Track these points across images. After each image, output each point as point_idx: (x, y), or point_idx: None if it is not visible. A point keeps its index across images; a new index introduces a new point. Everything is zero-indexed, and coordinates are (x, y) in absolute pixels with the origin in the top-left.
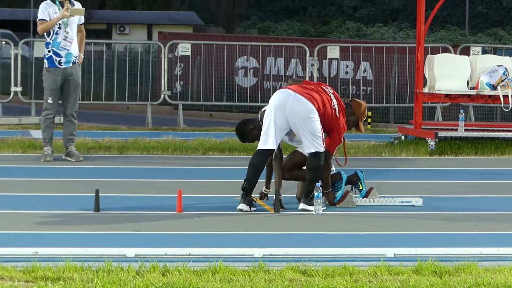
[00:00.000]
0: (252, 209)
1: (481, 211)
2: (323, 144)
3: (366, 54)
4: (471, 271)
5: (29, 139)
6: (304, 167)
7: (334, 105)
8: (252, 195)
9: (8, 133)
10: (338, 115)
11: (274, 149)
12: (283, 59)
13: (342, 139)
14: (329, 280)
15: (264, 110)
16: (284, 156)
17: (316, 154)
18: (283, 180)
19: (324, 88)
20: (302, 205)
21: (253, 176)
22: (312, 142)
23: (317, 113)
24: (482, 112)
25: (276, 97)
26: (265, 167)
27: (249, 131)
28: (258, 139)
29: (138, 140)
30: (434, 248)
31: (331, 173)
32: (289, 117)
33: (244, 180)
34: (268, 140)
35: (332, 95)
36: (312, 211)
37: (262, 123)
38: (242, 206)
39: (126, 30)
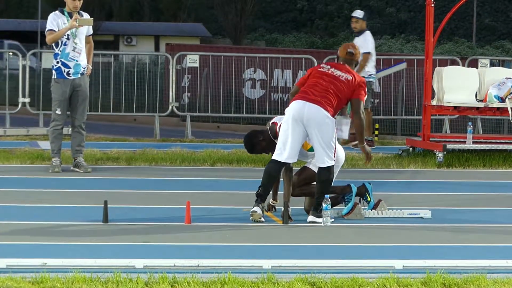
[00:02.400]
0: (263, 219)
1: (490, 224)
2: (334, 157)
3: None
4: (480, 283)
5: (37, 150)
6: (314, 183)
7: (340, 76)
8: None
9: (16, 144)
10: (349, 78)
11: (288, 163)
12: (291, 71)
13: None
14: None
15: (273, 122)
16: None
17: (326, 168)
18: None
19: (322, 70)
20: (311, 218)
21: (267, 183)
22: (325, 154)
23: (331, 117)
24: (490, 125)
25: (292, 109)
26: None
27: (259, 142)
28: (266, 151)
29: (146, 151)
30: (443, 260)
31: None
32: (307, 126)
33: (259, 187)
34: (283, 153)
35: (332, 69)
36: (320, 223)
37: (270, 134)
38: (256, 208)
39: (133, 41)
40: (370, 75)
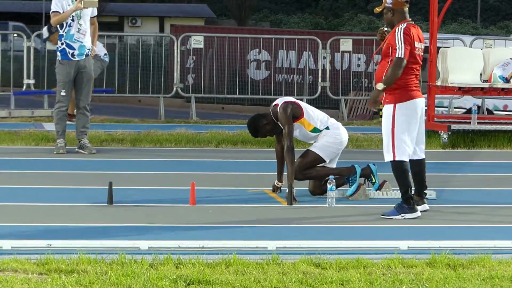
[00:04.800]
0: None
1: (495, 204)
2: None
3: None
4: (485, 263)
5: (42, 131)
6: (318, 166)
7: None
8: (264, 188)
9: (21, 125)
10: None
11: None
12: (295, 52)
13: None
14: (343, 272)
15: (275, 104)
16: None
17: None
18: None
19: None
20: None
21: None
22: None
23: None
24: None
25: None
26: (276, 161)
27: (263, 126)
28: (271, 135)
29: (151, 132)
30: (448, 241)
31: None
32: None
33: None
34: None
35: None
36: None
37: (273, 117)
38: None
39: (138, 22)
40: None
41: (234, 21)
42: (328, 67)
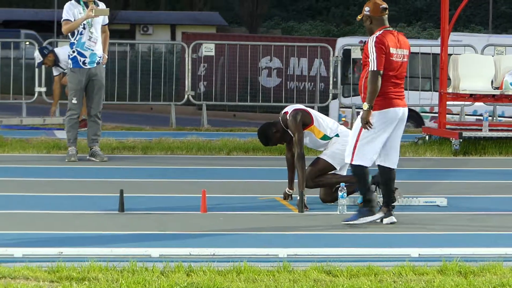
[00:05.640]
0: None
1: (506, 211)
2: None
3: None
4: (496, 271)
5: (53, 139)
6: (328, 174)
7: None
8: (275, 196)
9: (33, 133)
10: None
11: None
12: (306, 59)
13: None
14: (354, 280)
15: (285, 112)
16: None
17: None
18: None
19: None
20: (388, 219)
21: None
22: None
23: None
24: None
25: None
26: (287, 168)
27: (273, 134)
28: (282, 142)
29: (162, 140)
30: (459, 248)
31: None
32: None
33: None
34: None
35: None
36: (396, 221)
37: (283, 124)
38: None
39: (150, 30)
40: None
41: (246, 28)
42: (339, 74)
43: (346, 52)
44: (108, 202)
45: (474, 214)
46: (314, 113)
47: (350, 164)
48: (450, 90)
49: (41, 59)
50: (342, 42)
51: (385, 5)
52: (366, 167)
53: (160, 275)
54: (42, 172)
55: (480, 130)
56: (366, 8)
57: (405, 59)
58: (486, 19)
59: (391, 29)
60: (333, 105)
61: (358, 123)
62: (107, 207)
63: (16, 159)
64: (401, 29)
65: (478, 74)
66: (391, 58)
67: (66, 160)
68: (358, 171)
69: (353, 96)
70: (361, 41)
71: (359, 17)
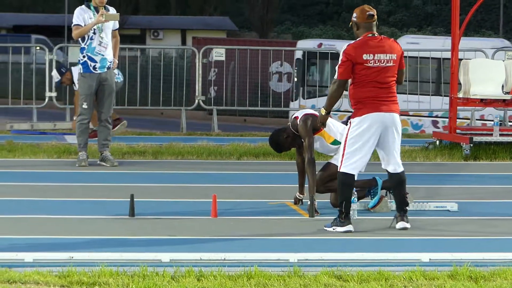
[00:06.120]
0: None
1: None
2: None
3: None
4: (507, 276)
5: (64, 144)
6: None
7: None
8: (286, 201)
9: (43, 138)
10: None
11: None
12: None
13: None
14: (364, 285)
15: (295, 117)
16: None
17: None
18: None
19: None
20: (402, 224)
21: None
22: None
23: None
24: None
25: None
26: (297, 173)
27: (284, 140)
28: (293, 146)
29: (173, 145)
30: (470, 253)
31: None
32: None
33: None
34: None
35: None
36: (409, 227)
37: (293, 129)
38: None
39: (160, 35)
40: None
41: (256, 33)
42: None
43: (309, 55)
44: (119, 207)
45: (484, 219)
46: None
47: (338, 171)
48: (460, 95)
49: (59, 77)
50: (302, 44)
51: (372, 11)
52: (352, 176)
53: (170, 280)
54: (52, 177)
55: (491, 135)
56: (354, 15)
57: (391, 64)
58: (497, 24)
59: (376, 35)
60: (293, 106)
61: (345, 132)
62: (117, 212)
63: (27, 164)
64: (411, 34)
65: (488, 78)
66: (365, 64)
67: (77, 165)
68: (344, 179)
69: (312, 98)
70: (320, 44)
71: (351, 23)
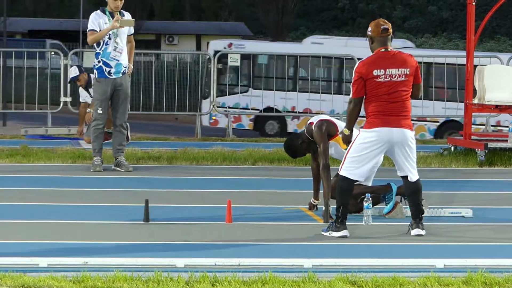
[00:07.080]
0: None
1: None
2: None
3: None
4: None
5: (78, 149)
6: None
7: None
8: (301, 206)
9: (58, 143)
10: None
11: None
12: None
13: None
14: None
15: (310, 123)
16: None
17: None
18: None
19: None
20: (416, 231)
21: None
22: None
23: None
24: None
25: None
26: (312, 178)
27: (299, 146)
28: (309, 152)
29: (187, 150)
30: (484, 259)
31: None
32: None
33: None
34: None
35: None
36: (423, 235)
37: (308, 135)
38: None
39: (175, 40)
40: None
41: (271, 39)
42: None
43: (220, 55)
44: (133, 212)
45: (499, 225)
46: (340, 123)
47: (337, 173)
48: (475, 101)
49: (78, 73)
50: (213, 45)
51: (387, 25)
52: (352, 182)
53: (185, 285)
54: (67, 182)
55: (506, 141)
56: (369, 29)
57: (403, 78)
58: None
59: (389, 49)
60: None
61: (354, 137)
62: (132, 217)
63: (42, 169)
64: (426, 39)
65: (504, 85)
66: (375, 79)
67: (91, 170)
68: (343, 185)
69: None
70: (230, 44)
71: (366, 36)
